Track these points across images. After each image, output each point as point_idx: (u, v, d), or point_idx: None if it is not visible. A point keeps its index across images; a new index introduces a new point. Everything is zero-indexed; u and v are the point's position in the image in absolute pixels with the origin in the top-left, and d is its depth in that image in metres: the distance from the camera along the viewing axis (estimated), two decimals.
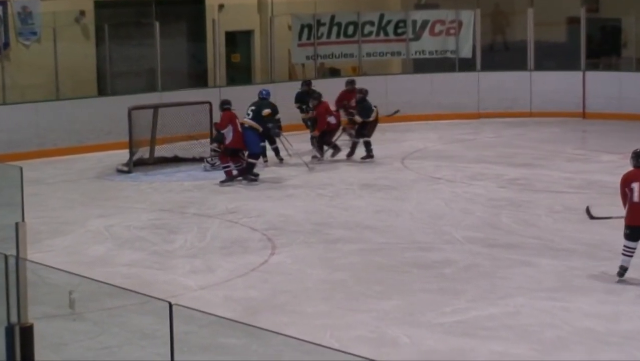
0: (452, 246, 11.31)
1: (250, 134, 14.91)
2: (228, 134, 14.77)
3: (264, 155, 15.92)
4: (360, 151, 16.49)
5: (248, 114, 15.09)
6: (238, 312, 9.04)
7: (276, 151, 16.21)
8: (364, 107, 16.62)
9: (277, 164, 16.06)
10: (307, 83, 17.67)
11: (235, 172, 14.89)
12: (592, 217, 11.21)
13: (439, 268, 10.46)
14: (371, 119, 16.58)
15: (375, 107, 16.76)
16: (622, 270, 9.88)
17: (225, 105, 15.07)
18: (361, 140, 16.50)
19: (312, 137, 16.51)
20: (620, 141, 17.07)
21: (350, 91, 18.00)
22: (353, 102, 17.93)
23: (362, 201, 13.74)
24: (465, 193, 14.00)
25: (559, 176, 15.05)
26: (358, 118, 16.52)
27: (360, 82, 20.80)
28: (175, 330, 5.81)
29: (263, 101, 15.47)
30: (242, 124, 14.92)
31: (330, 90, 17.60)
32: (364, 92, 16.83)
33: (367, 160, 16.35)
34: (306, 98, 17.11)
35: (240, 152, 14.91)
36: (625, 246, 9.84)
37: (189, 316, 6.38)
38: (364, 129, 16.52)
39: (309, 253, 11.14)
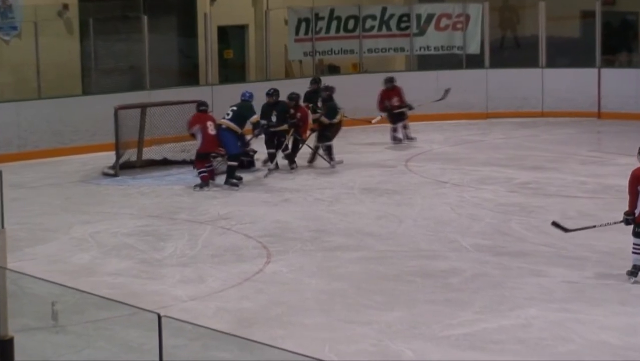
0: (459, 254, 11.32)
1: (227, 135, 14.94)
2: (198, 138, 14.91)
3: (272, 160, 15.84)
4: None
5: (228, 114, 15.08)
6: (231, 324, 9.05)
7: (290, 158, 15.98)
8: (330, 108, 16.40)
9: (288, 171, 15.91)
10: (316, 81, 17.57)
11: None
12: (566, 230, 11.12)
13: (444, 277, 10.47)
14: (336, 120, 16.41)
15: (340, 108, 16.65)
16: (635, 269, 10.06)
17: (201, 107, 15.19)
18: (322, 145, 16.21)
19: (299, 142, 16.30)
20: (637, 142, 16.92)
21: (391, 89, 18.08)
22: (395, 102, 17.93)
23: (363, 206, 13.76)
24: (472, 198, 14.02)
25: (572, 179, 15.07)
26: (325, 120, 16.24)
27: (361, 80, 20.92)
28: (164, 343, 5.83)
29: (246, 103, 15.35)
30: (219, 125, 14.94)
31: None
32: (331, 90, 16.70)
33: (331, 167, 16.06)
34: (315, 97, 17.10)
35: (212, 155, 15.05)
36: (635, 244, 10.04)
37: (178, 328, 6.39)
38: (327, 132, 16.26)
39: (307, 262, 11.15)
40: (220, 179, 15.04)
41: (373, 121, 18.58)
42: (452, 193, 14.35)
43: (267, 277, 10.62)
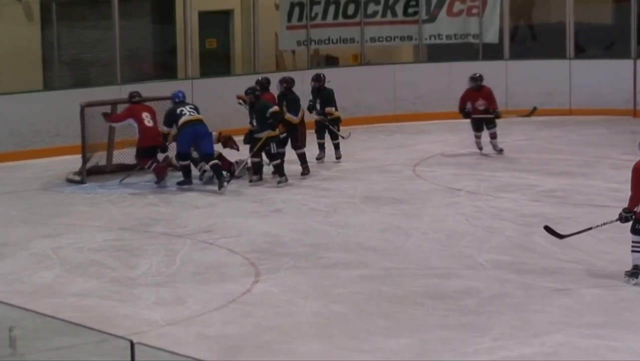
0: (475, 272, 11.34)
1: (207, 131, 15.21)
2: (135, 131, 15.35)
3: (256, 171, 15.74)
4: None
5: (190, 112, 15.15)
6: (214, 352, 9.07)
7: (280, 170, 15.79)
8: (293, 102, 16.24)
9: (275, 185, 15.85)
10: (319, 78, 17.37)
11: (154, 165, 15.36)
12: (561, 236, 11.15)
13: (458, 299, 10.49)
14: (299, 119, 16.25)
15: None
16: (636, 270, 10.44)
17: (134, 97, 15.66)
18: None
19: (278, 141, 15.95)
20: None
21: (477, 89, 17.32)
22: (480, 105, 17.15)
23: (364, 217, 13.78)
24: (490, 208, 14.04)
25: (604, 186, 15.09)
26: (292, 118, 16.06)
27: (363, 73, 20.96)
28: None
29: (193, 104, 15.52)
30: (197, 120, 15.09)
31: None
32: (290, 82, 16.58)
33: (306, 176, 15.97)
34: (317, 96, 17.06)
35: (157, 150, 15.38)
36: (634, 242, 10.44)
37: (154, 357, 6.40)
38: (296, 134, 16.07)
39: (301, 281, 11.16)
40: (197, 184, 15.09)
41: (344, 136, 17.95)
42: (467, 202, 14.38)
43: (256, 298, 10.63)
